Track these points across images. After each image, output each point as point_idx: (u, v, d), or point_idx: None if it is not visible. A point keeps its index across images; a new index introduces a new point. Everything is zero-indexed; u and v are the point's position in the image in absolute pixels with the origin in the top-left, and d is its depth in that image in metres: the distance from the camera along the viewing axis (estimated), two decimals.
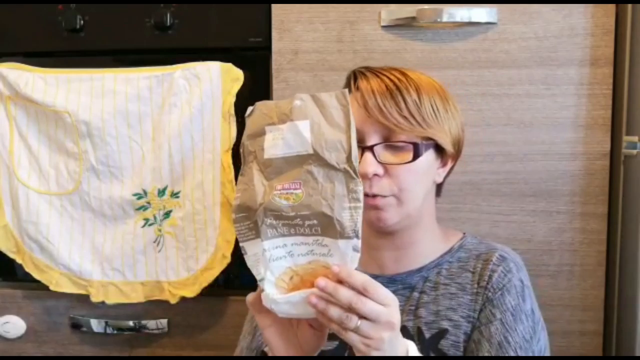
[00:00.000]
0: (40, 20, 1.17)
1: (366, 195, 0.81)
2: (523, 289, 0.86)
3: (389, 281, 0.89)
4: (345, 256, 0.69)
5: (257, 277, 0.72)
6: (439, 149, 0.85)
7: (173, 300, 1.15)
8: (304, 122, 0.70)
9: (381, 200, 0.82)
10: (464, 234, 0.94)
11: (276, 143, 0.71)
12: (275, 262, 0.71)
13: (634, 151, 1.03)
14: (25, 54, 1.19)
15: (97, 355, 1.23)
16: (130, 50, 1.17)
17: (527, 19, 1.06)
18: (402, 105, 0.81)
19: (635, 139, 1.04)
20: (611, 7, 1.05)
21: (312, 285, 0.69)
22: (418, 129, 0.82)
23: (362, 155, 0.81)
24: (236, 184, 0.75)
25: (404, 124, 0.81)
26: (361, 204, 0.69)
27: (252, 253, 0.72)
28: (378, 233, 0.88)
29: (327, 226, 0.69)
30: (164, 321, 1.20)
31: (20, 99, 1.15)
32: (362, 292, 0.68)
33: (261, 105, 0.74)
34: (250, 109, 0.74)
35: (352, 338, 0.68)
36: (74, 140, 1.14)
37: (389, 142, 0.82)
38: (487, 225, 1.10)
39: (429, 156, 0.85)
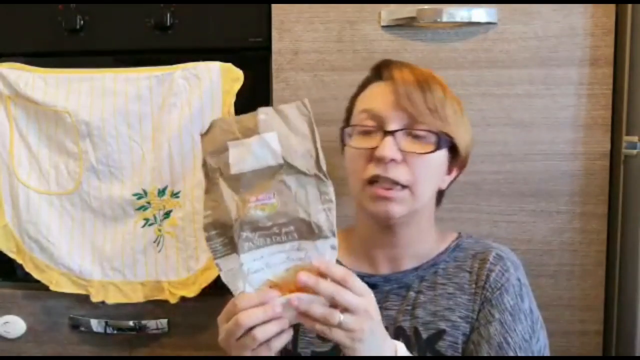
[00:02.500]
0: (40, 20, 1.17)
1: (377, 181, 0.82)
2: (521, 287, 0.86)
3: (384, 280, 0.89)
4: (323, 256, 0.72)
5: (236, 292, 0.73)
6: (451, 152, 0.87)
7: (173, 300, 1.15)
8: (272, 134, 0.72)
9: (394, 192, 0.82)
10: (460, 233, 0.94)
11: (243, 158, 0.72)
12: (254, 274, 0.72)
13: (634, 151, 1.03)
14: (25, 54, 1.18)
15: (97, 355, 1.23)
16: (130, 51, 1.17)
17: (527, 19, 1.06)
18: (429, 97, 0.83)
19: (635, 139, 1.04)
20: (611, 7, 1.05)
21: (292, 291, 0.71)
22: (439, 123, 0.83)
23: (382, 139, 0.82)
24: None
25: (428, 114, 0.82)
26: (334, 204, 0.72)
27: (228, 269, 0.73)
28: (376, 229, 0.88)
29: (305, 230, 0.71)
30: (164, 321, 1.20)
31: (21, 99, 1.15)
32: (342, 283, 0.70)
33: (219, 122, 0.75)
34: (205, 127, 0.75)
35: (337, 334, 0.70)
36: (74, 140, 1.14)
37: (412, 129, 0.83)
38: (487, 225, 1.10)
39: (443, 154, 0.86)
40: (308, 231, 0.71)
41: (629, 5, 1.04)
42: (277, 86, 1.12)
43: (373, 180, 0.83)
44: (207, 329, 1.19)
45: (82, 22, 1.16)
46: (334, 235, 0.72)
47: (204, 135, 0.75)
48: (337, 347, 0.85)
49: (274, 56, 1.12)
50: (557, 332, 1.08)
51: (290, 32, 1.11)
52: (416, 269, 0.89)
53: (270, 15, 1.11)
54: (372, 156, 0.83)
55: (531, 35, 1.07)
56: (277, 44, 1.12)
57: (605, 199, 1.08)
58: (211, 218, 0.73)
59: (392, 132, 0.82)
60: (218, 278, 1.12)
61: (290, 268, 0.72)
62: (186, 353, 1.21)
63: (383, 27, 1.09)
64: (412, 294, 0.88)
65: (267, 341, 0.70)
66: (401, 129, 0.83)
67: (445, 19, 1.05)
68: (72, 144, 1.14)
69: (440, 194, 0.92)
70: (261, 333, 0.69)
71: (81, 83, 1.13)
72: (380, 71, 0.89)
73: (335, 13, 1.10)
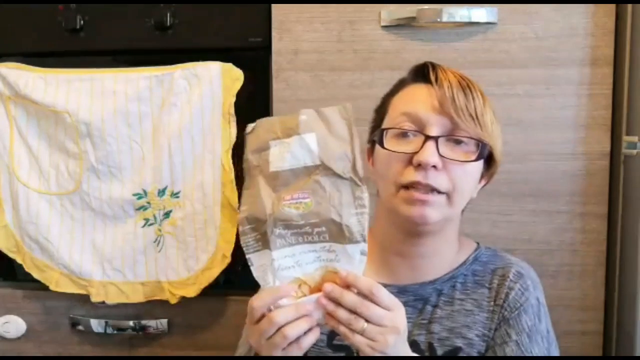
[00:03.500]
0: (40, 20, 1.17)
1: (415, 187, 0.79)
2: (539, 307, 0.85)
3: (400, 291, 0.86)
4: (353, 260, 0.72)
5: (265, 287, 0.73)
6: (486, 161, 0.85)
7: (173, 300, 1.15)
8: (311, 134, 0.74)
9: (432, 196, 0.79)
10: (478, 244, 0.92)
11: (283, 156, 0.74)
12: (283, 271, 0.73)
13: (634, 151, 1.03)
14: (25, 54, 1.19)
15: (97, 355, 1.23)
16: (130, 50, 1.17)
17: (527, 19, 1.06)
18: (472, 104, 0.81)
19: (635, 139, 1.04)
20: (611, 7, 1.05)
21: (320, 290, 0.72)
22: (479, 131, 0.81)
23: (423, 143, 0.79)
24: (239, 198, 0.78)
25: (470, 121, 0.80)
26: (367, 210, 0.73)
27: (260, 264, 0.74)
28: (401, 237, 0.85)
29: (336, 232, 0.72)
30: (164, 321, 1.20)
31: (20, 99, 1.15)
32: (368, 295, 0.70)
33: (264, 122, 0.77)
34: (250, 126, 0.77)
35: (358, 340, 0.69)
36: (74, 140, 1.14)
37: (454, 135, 0.80)
38: (487, 225, 1.10)
39: (480, 163, 0.83)
40: (339, 233, 0.72)
41: (629, 5, 1.04)
42: (277, 86, 1.12)
43: (410, 186, 0.80)
44: (207, 329, 1.19)
45: (82, 22, 1.16)
46: (364, 240, 0.72)
47: (248, 134, 0.76)
48: (349, 354, 0.84)
49: (274, 56, 1.12)
50: (557, 332, 1.08)
51: (290, 32, 1.11)
52: (434, 281, 0.87)
53: (270, 15, 1.11)
54: (409, 160, 0.80)
55: (531, 35, 1.07)
56: (277, 44, 1.12)
57: (605, 199, 1.08)
58: (246, 212, 0.74)
59: (434, 138, 0.79)
60: (218, 278, 1.13)
61: (320, 268, 0.73)
62: (186, 353, 1.21)
63: (383, 27, 1.09)
64: (429, 307, 0.86)
65: (297, 340, 0.70)
66: (445, 135, 0.80)
67: (445, 19, 1.05)
68: (72, 144, 1.14)
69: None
70: (291, 330, 0.69)
71: (81, 83, 1.13)
72: (423, 73, 0.85)
73: (335, 13, 1.10)
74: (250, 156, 0.76)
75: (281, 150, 0.74)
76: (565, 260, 1.10)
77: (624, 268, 1.08)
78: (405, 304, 0.84)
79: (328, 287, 0.70)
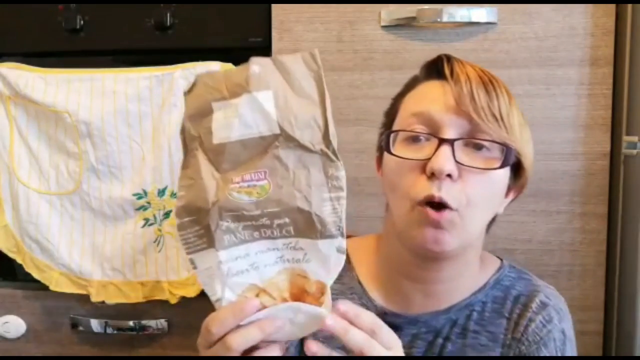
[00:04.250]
0: (40, 20, 1.17)
1: (429, 203, 0.67)
2: (564, 342, 0.74)
3: (410, 322, 0.76)
4: (327, 260, 0.57)
5: (212, 298, 0.59)
6: (514, 170, 0.73)
7: (173, 300, 1.15)
8: (266, 92, 0.55)
9: (447, 214, 0.66)
10: (502, 261, 0.81)
11: (229, 123, 0.55)
12: (235, 277, 0.58)
13: (634, 151, 1.03)
14: (25, 54, 1.18)
15: (97, 355, 1.23)
16: (130, 50, 1.17)
17: (527, 19, 1.06)
18: (495, 102, 0.68)
19: (635, 139, 1.04)
20: (611, 7, 1.05)
21: (284, 300, 0.58)
22: (504, 134, 0.68)
23: (437, 148, 0.67)
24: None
25: (493, 122, 0.68)
26: (344, 193, 0.57)
27: (205, 267, 0.58)
28: (414, 261, 0.74)
29: (303, 225, 0.56)
30: (164, 321, 1.20)
31: (20, 99, 1.15)
32: (369, 334, 0.58)
33: (205, 77, 0.58)
34: (190, 83, 0.58)
35: None
36: (74, 140, 1.14)
37: (474, 138, 0.68)
38: None
39: (506, 173, 0.71)
40: (307, 226, 0.56)
41: (629, 5, 1.04)
42: None
43: (425, 203, 0.67)
44: None
45: (82, 22, 1.16)
46: (342, 234, 0.57)
47: (187, 93, 0.58)
48: None
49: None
50: None
51: (290, 32, 1.11)
52: (449, 309, 0.76)
53: (270, 15, 1.11)
54: (423, 169, 0.68)
55: (531, 35, 1.07)
56: (277, 44, 1.12)
57: (605, 199, 1.08)
58: (184, 200, 0.57)
59: (449, 141, 0.67)
60: None
61: (284, 271, 0.58)
62: (186, 353, 1.21)
63: (383, 27, 1.09)
64: (439, 340, 0.76)
65: None
66: (463, 138, 0.68)
67: (445, 19, 1.05)
68: (72, 144, 1.14)
69: (492, 219, 0.76)
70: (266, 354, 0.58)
71: (81, 83, 1.13)
72: (437, 68, 0.73)
73: (335, 13, 1.10)
74: (187, 124, 0.57)
75: (227, 115, 0.55)
76: (565, 260, 1.10)
77: (624, 268, 1.08)
78: (415, 336, 0.76)
79: (330, 320, 0.56)
